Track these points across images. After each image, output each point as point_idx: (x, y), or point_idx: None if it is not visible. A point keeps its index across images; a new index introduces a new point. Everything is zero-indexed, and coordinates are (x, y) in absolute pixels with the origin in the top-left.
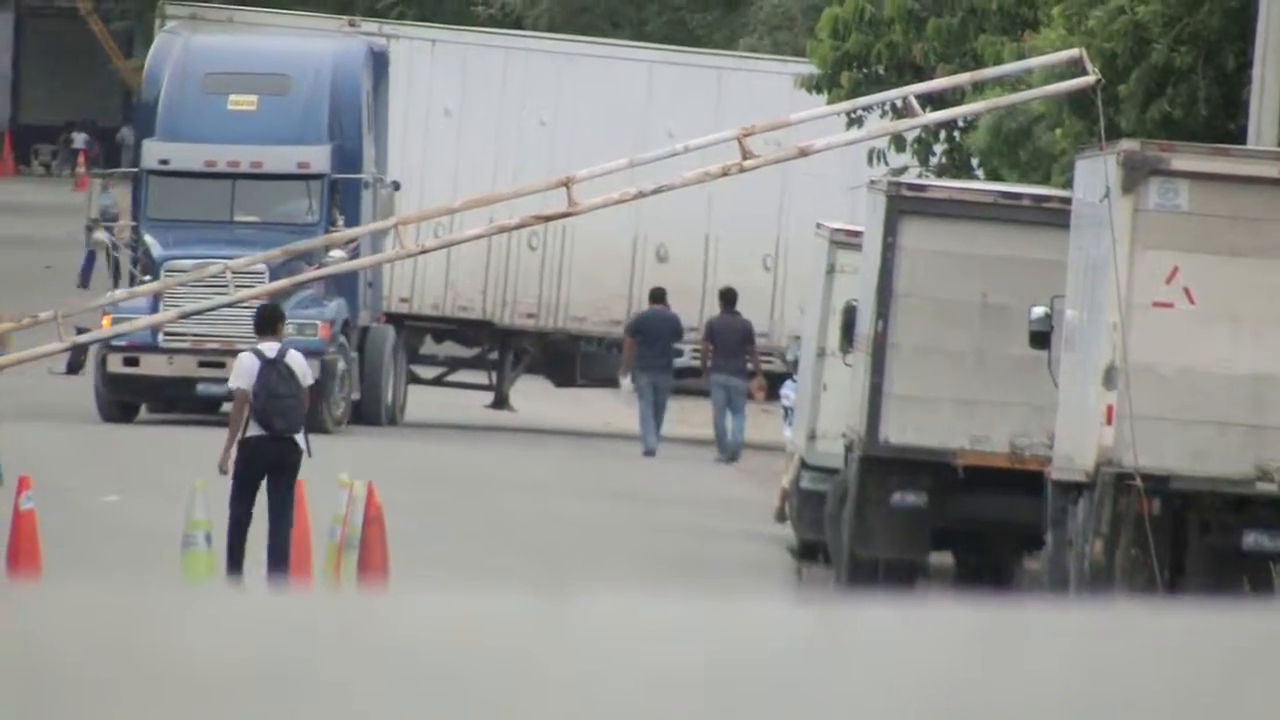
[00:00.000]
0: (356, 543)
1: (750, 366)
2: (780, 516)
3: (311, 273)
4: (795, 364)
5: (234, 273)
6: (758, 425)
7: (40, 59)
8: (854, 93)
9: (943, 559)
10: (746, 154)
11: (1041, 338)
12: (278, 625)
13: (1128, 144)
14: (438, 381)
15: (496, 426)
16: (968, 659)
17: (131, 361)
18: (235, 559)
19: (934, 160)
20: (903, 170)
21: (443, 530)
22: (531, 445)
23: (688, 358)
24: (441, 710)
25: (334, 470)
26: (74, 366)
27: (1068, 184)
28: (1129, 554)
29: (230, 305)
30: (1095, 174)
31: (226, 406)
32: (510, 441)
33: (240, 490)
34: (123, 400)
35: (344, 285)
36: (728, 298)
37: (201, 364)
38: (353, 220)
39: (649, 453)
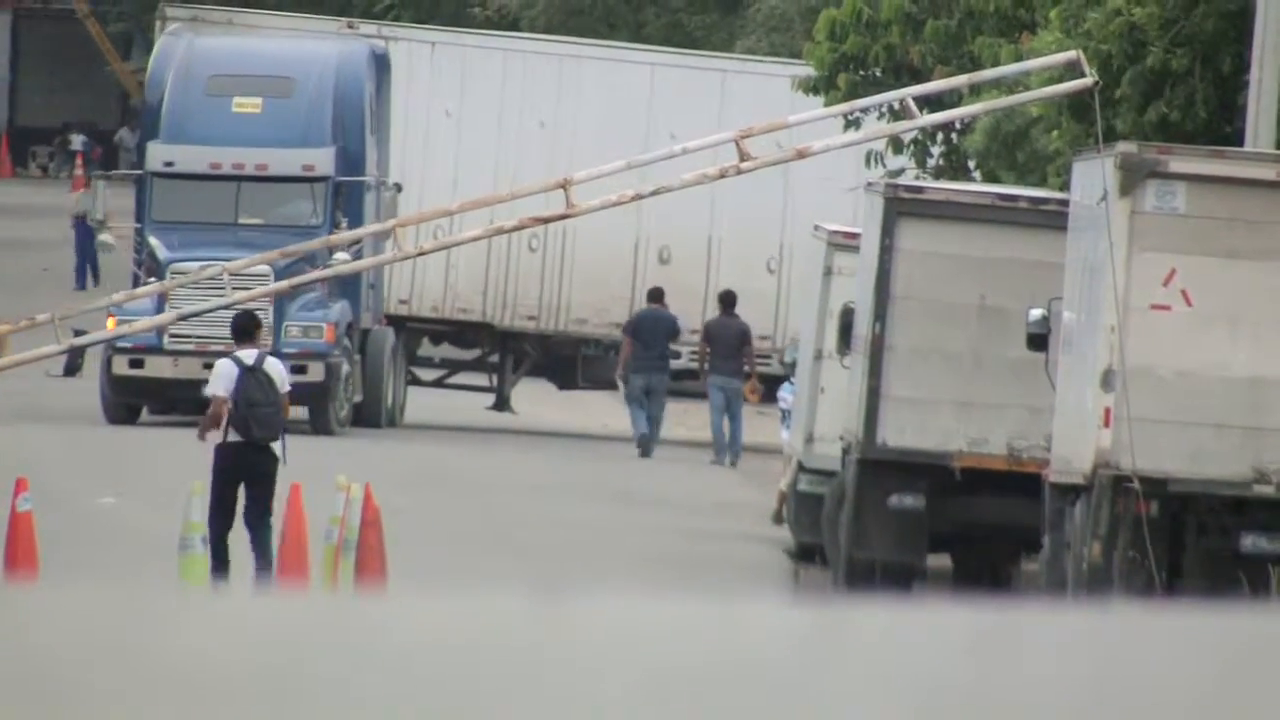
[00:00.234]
0: (354, 545)
1: (745, 368)
2: (778, 519)
3: (309, 275)
4: (793, 366)
5: (231, 275)
6: (755, 427)
7: (37, 61)
8: (851, 95)
9: (940, 561)
10: (744, 156)
11: (1039, 340)
12: (275, 628)
13: (1125, 146)
14: (439, 384)
15: (496, 429)
16: (965, 661)
17: (136, 364)
18: (222, 571)
19: (931, 162)
20: (900, 172)
21: (441, 532)
22: (531, 447)
23: (686, 359)
24: (440, 712)
25: (333, 472)
26: (71, 369)
27: (1064, 186)
28: (1127, 556)
29: (228, 307)
30: (1092, 176)
31: None
32: (509, 443)
33: (219, 503)
34: (128, 402)
35: (348, 288)
36: (726, 300)
37: (206, 366)
38: (356, 223)
39: (641, 439)
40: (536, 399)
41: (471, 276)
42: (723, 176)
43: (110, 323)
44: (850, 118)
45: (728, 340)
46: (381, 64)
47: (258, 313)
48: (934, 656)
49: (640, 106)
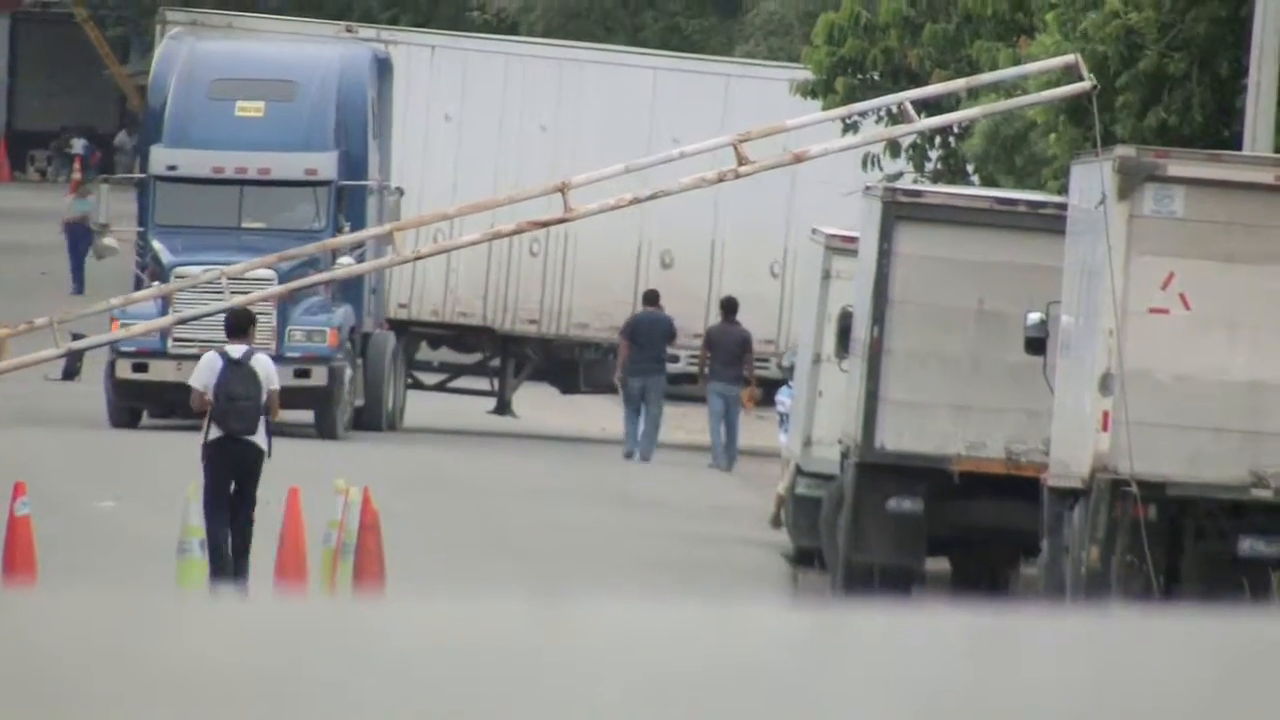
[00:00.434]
0: (352, 549)
1: (744, 374)
2: (776, 522)
3: (307, 280)
4: (791, 370)
5: (231, 278)
6: (753, 431)
7: (36, 65)
8: (849, 98)
9: (939, 565)
10: (742, 160)
11: (1037, 344)
12: (273, 632)
13: (1123, 150)
14: (441, 387)
15: (496, 432)
16: (963, 665)
17: (140, 367)
18: (221, 575)
19: (929, 166)
20: (898, 176)
21: (439, 536)
22: (530, 451)
23: (684, 364)
24: (438, 716)
25: (332, 476)
26: (70, 373)
27: (1062, 190)
28: (1125, 560)
29: (226, 311)
30: (1091, 180)
31: None
32: (509, 447)
33: (212, 501)
34: (131, 406)
35: (350, 292)
36: (728, 307)
37: None
38: (358, 226)
39: (629, 455)
40: (538, 403)
41: (472, 280)
42: (721, 180)
43: (114, 326)
44: (848, 121)
45: (729, 347)
46: (383, 68)
47: (254, 310)
48: (932, 660)
49: (643, 111)
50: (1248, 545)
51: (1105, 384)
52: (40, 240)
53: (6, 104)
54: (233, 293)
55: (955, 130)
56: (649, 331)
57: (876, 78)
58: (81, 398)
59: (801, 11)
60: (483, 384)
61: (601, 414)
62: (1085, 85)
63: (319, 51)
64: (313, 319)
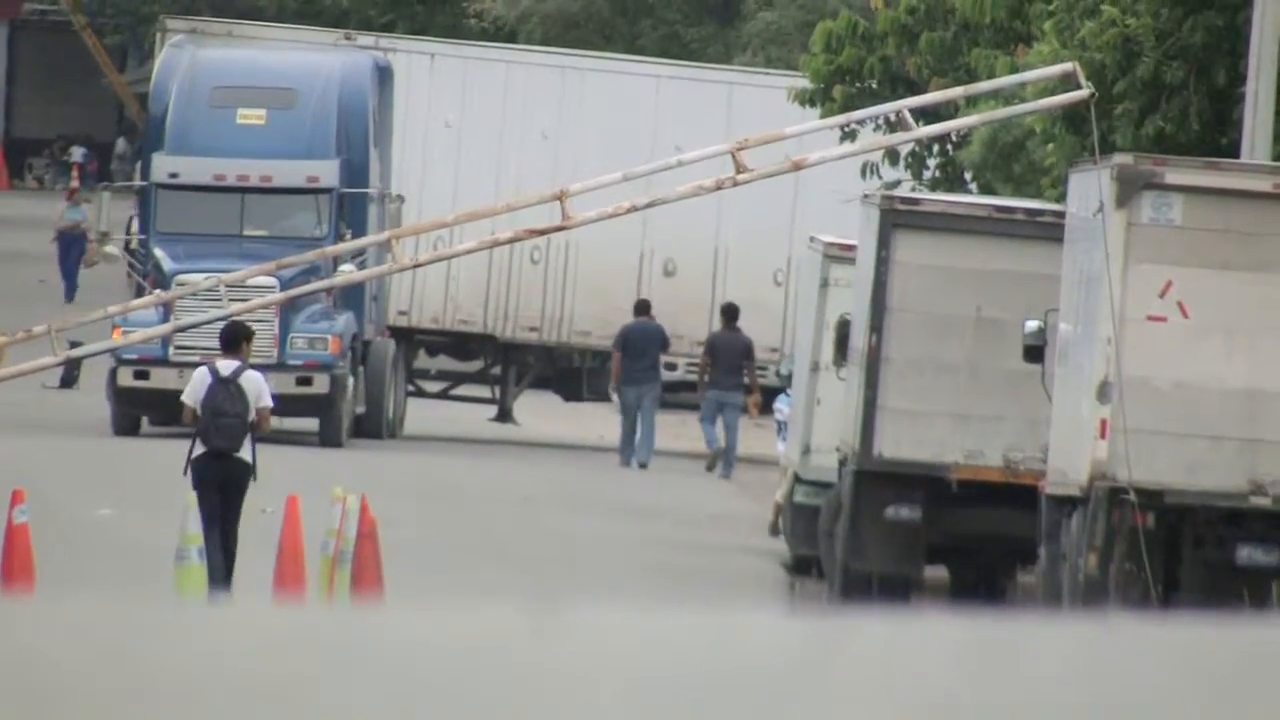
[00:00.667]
0: (350, 557)
1: (746, 382)
2: (774, 530)
3: (306, 287)
4: (789, 378)
5: (230, 286)
6: (751, 439)
7: (34, 72)
8: (847, 106)
9: (937, 573)
10: (740, 168)
11: (1035, 352)
12: (271, 639)
13: (1121, 158)
14: (443, 395)
15: (496, 440)
16: (962, 672)
17: (142, 375)
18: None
19: (927, 174)
20: (896, 184)
21: (437, 544)
22: (528, 459)
23: (683, 371)
24: None
25: (331, 484)
26: (68, 381)
27: (1059, 198)
28: (1123, 568)
29: (227, 319)
30: (1089, 188)
31: None
32: (508, 455)
33: (208, 521)
34: (133, 413)
35: (351, 299)
36: (729, 313)
37: None
38: (360, 234)
39: (625, 466)
40: (539, 411)
41: (472, 288)
42: (719, 188)
43: (115, 334)
44: (846, 129)
45: (730, 354)
46: (384, 75)
47: (250, 324)
48: (931, 668)
49: (645, 119)
50: (1246, 553)
51: (1103, 392)
52: (38, 249)
53: (4, 112)
54: (232, 300)
55: (953, 138)
56: (640, 341)
57: (874, 86)
58: (80, 406)
59: (799, 21)
60: (484, 392)
61: (601, 422)
62: (1084, 93)
63: (320, 59)
64: (314, 326)
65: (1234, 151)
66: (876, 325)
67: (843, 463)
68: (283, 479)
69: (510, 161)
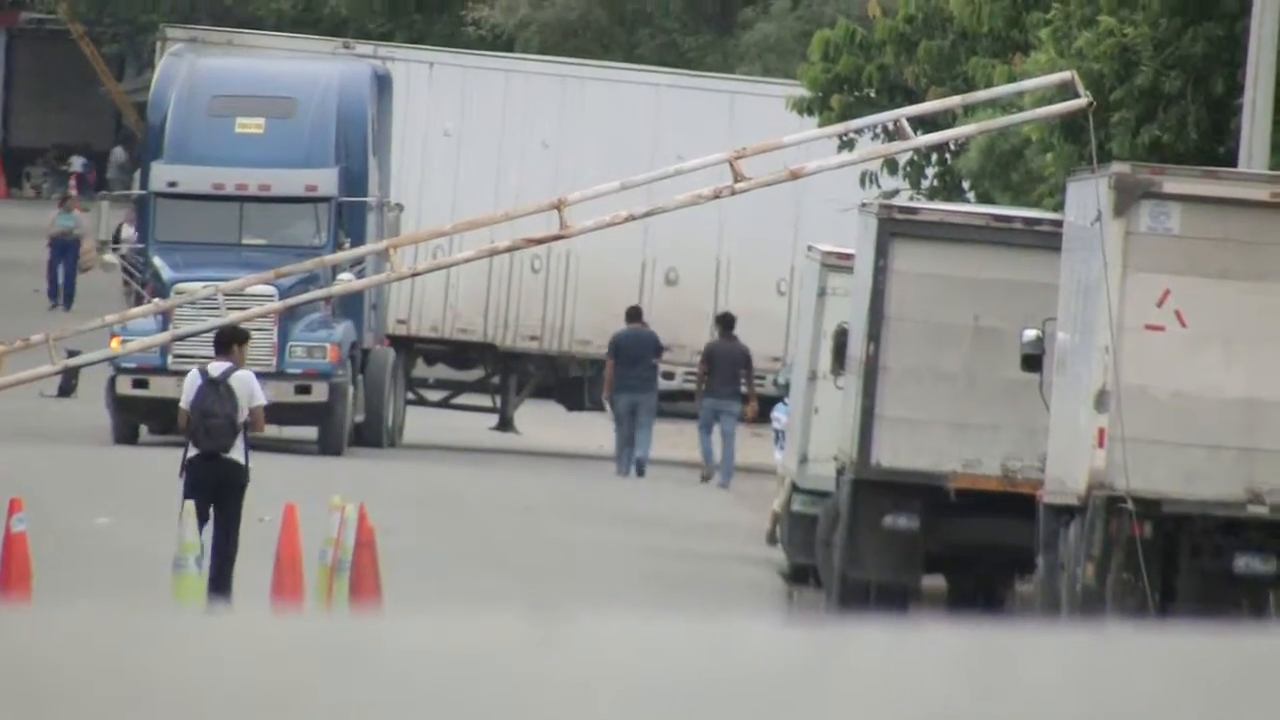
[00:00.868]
0: (348, 566)
1: (744, 391)
2: (771, 539)
3: (304, 296)
4: (787, 387)
5: (228, 295)
6: (749, 448)
7: (31, 81)
8: (845, 115)
9: (934, 582)
10: (739, 177)
11: (1033, 360)
12: (269, 647)
13: (1119, 167)
14: (444, 404)
15: (495, 449)
16: (959, 682)
17: (140, 383)
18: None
19: (926, 183)
20: (895, 193)
21: (435, 552)
22: (527, 468)
23: (681, 380)
24: None
25: (330, 492)
26: (66, 389)
27: (1057, 206)
28: (1121, 577)
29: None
30: (1086, 197)
31: None
32: (507, 464)
33: (201, 524)
34: (132, 422)
35: (350, 308)
36: (726, 322)
37: None
38: (358, 243)
39: (623, 475)
40: (540, 420)
41: (472, 297)
42: (717, 197)
43: (114, 343)
44: (844, 138)
45: (728, 364)
46: (383, 84)
47: (245, 327)
48: (928, 677)
49: (646, 128)
50: (1243, 562)
51: (1101, 401)
52: (34, 257)
53: (2, 121)
54: (230, 309)
55: (951, 147)
56: (632, 348)
57: (873, 94)
58: (78, 414)
59: (797, 32)
60: (485, 401)
61: (602, 431)
62: (1082, 102)
63: (319, 68)
64: (313, 335)
65: (1231, 161)
66: (874, 334)
67: (840, 472)
68: (281, 488)
69: (510, 170)
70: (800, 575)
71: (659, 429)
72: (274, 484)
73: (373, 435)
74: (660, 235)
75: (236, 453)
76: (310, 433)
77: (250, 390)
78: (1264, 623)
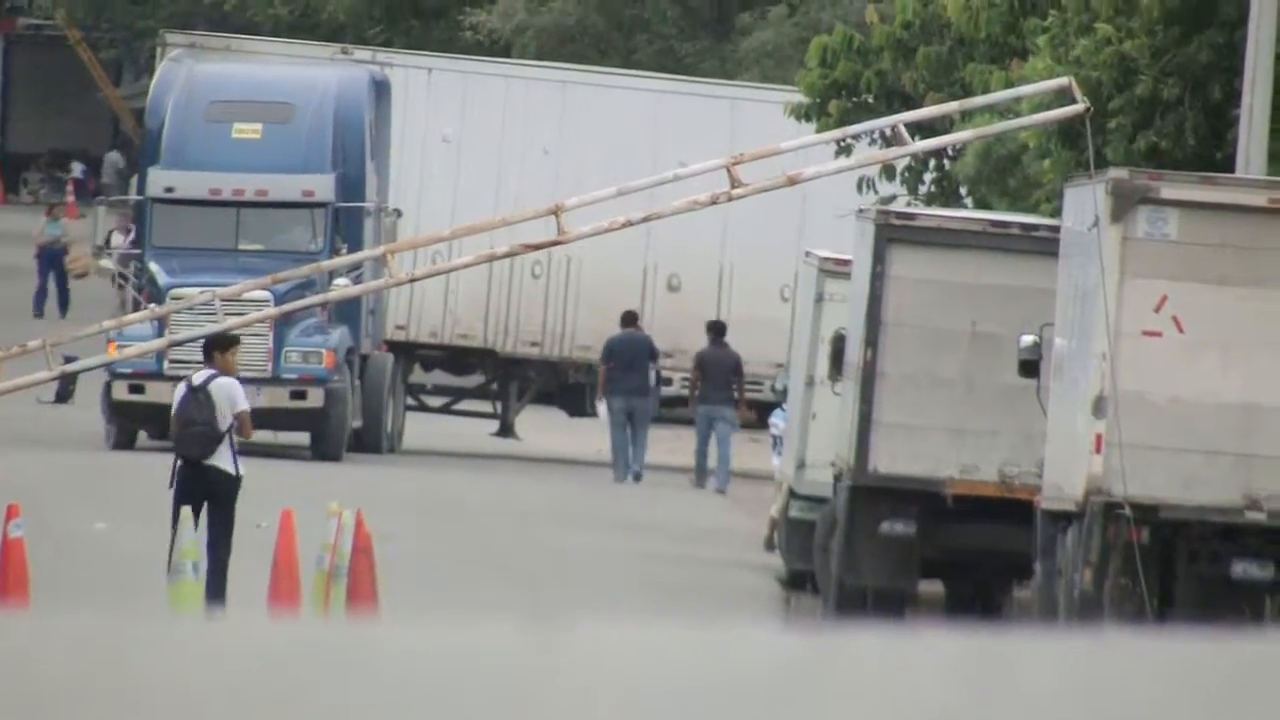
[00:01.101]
0: (345, 572)
1: (735, 396)
2: (769, 545)
3: (301, 302)
4: (784, 393)
5: (224, 300)
6: (746, 454)
7: (29, 87)
8: (842, 121)
9: (932, 588)
10: (735, 182)
11: (1030, 366)
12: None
13: (1117, 172)
14: (446, 410)
15: (495, 455)
16: (957, 687)
17: (136, 389)
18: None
19: (923, 189)
20: (892, 199)
21: (433, 559)
22: (526, 474)
23: (678, 385)
24: None
25: (327, 498)
26: (63, 395)
27: (1054, 212)
28: (1118, 583)
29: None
30: (1084, 202)
31: None
32: (506, 470)
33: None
34: (128, 427)
35: (347, 313)
36: (716, 330)
37: None
38: (356, 248)
39: (620, 482)
40: (541, 426)
41: (472, 302)
42: (714, 203)
43: (111, 348)
44: (842, 144)
45: (719, 370)
46: (381, 90)
47: (242, 337)
48: (926, 683)
49: (647, 134)
50: (1241, 569)
51: (1098, 406)
52: (31, 264)
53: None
54: (227, 314)
55: (949, 152)
56: (627, 352)
57: (870, 100)
58: (75, 420)
59: (795, 39)
60: (486, 407)
61: (602, 437)
62: (1079, 108)
63: (316, 74)
64: (309, 340)
65: (1229, 167)
66: (871, 340)
67: (838, 477)
68: (278, 494)
69: (510, 176)
70: (798, 581)
71: (656, 434)
72: (272, 490)
73: (371, 441)
74: (662, 241)
75: (222, 460)
76: (306, 438)
77: (231, 396)
78: (1262, 628)
